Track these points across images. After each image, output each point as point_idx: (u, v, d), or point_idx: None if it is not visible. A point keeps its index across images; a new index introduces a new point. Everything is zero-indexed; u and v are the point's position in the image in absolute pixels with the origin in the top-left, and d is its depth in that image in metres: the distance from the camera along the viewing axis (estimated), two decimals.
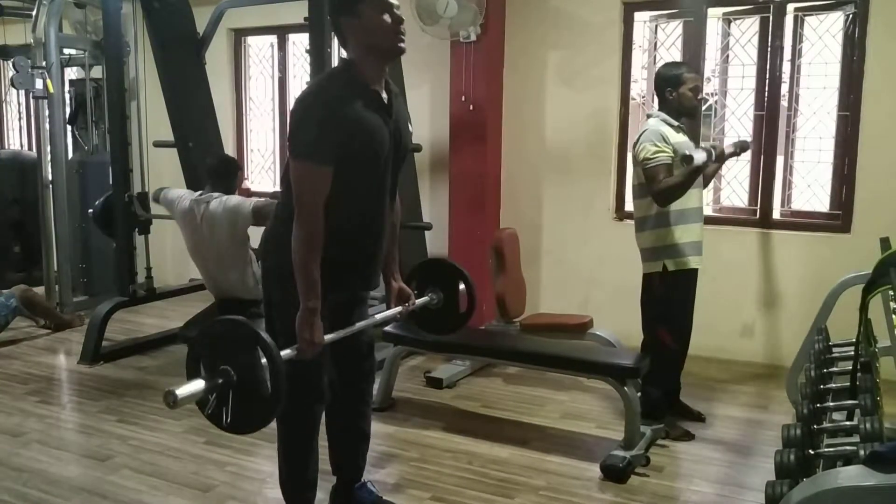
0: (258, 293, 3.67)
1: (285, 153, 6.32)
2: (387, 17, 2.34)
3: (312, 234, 2.29)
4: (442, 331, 3.04)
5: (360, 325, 2.56)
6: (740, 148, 3.67)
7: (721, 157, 3.50)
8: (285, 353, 2.14)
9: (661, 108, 3.56)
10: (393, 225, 2.68)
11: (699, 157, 3.25)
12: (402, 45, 2.39)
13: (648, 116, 3.62)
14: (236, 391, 1.98)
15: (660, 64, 5.02)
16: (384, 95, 2.43)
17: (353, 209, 2.41)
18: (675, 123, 3.49)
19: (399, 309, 2.71)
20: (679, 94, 3.48)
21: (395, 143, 2.46)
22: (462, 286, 2.88)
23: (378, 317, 2.64)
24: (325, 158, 2.28)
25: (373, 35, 2.35)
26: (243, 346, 2.01)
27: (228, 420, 2.00)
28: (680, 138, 3.45)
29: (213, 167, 4.38)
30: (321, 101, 2.31)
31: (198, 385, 1.95)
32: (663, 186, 3.32)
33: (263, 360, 1.99)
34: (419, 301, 2.77)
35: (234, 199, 4.14)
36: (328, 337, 2.36)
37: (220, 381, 1.97)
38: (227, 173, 4.33)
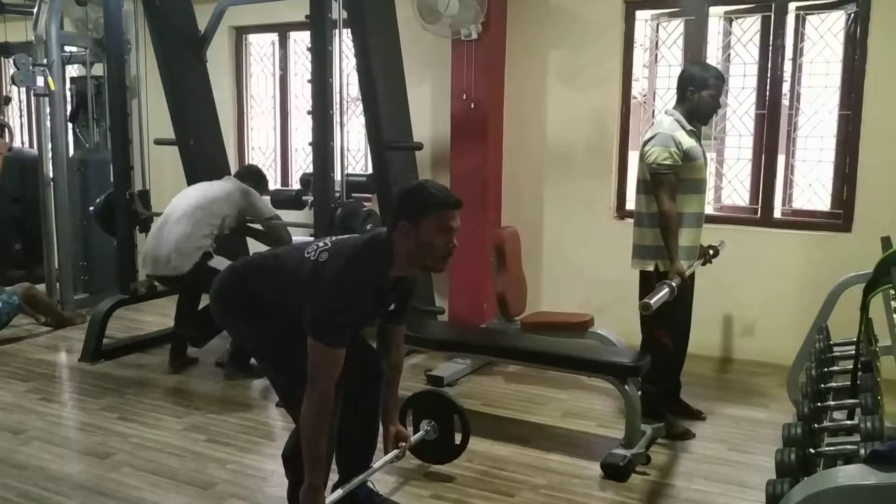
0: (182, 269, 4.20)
1: (286, 151, 6.39)
2: (442, 242, 2.39)
3: (324, 411, 2.33)
4: (437, 460, 3.19)
5: (363, 475, 2.70)
6: (713, 255, 3.76)
7: (684, 280, 3.42)
8: None
9: (677, 106, 3.55)
10: (395, 372, 2.76)
11: (660, 296, 3.17)
12: (444, 268, 2.48)
13: (665, 113, 3.59)
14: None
15: (661, 62, 5.04)
16: (395, 282, 2.51)
17: None
18: (688, 127, 3.47)
19: (396, 452, 2.78)
20: (700, 96, 3.47)
21: (378, 315, 2.58)
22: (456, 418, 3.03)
23: (376, 465, 2.75)
24: (344, 342, 2.34)
25: (423, 249, 2.40)
26: None
27: None
28: (691, 143, 3.44)
29: (246, 173, 4.79)
30: (354, 293, 2.36)
31: None
32: (664, 211, 3.36)
33: None
34: (415, 438, 2.88)
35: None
36: (329, 499, 2.46)
37: None
38: (259, 179, 4.74)
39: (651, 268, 3.50)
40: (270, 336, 2.56)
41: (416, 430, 3.15)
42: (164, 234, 4.31)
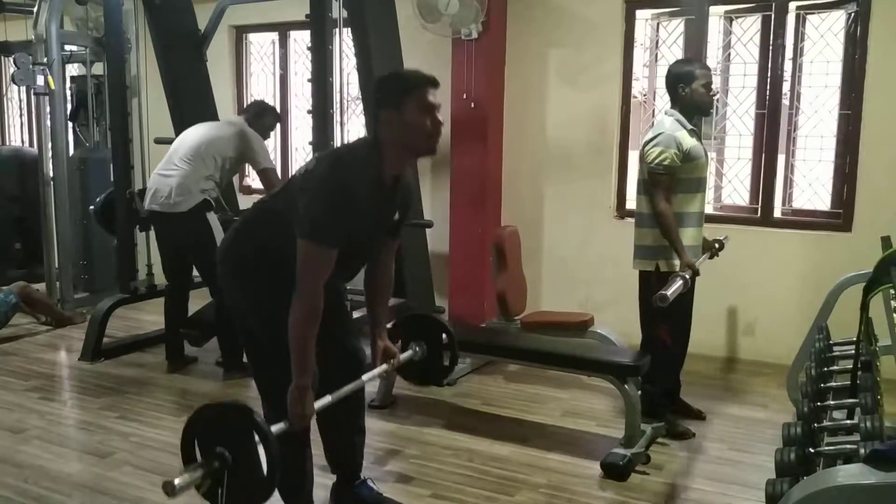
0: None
1: (286, 150, 6.39)
2: (427, 119, 2.37)
3: (313, 311, 2.30)
4: (425, 381, 3.12)
5: (349, 387, 2.54)
6: (719, 248, 3.77)
7: (696, 272, 3.43)
8: (276, 427, 2.15)
9: (673, 106, 3.54)
10: (385, 288, 2.74)
11: (675, 288, 3.19)
12: (435, 147, 2.43)
13: (665, 113, 3.58)
14: (232, 474, 1.98)
15: (662, 62, 5.04)
16: (392, 184, 2.46)
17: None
18: (689, 126, 3.47)
19: (385, 367, 2.73)
20: (692, 90, 3.47)
21: (381, 227, 2.53)
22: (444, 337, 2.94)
23: (365, 377, 2.68)
24: (334, 243, 2.31)
25: (409, 133, 2.37)
26: (238, 429, 2.02)
27: (223, 502, 2.00)
28: (693, 142, 3.44)
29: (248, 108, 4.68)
30: (344, 191, 2.31)
31: (195, 473, 1.95)
32: (659, 211, 3.38)
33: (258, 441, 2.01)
34: (403, 356, 2.81)
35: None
36: (318, 404, 2.37)
37: (216, 464, 1.97)
38: (263, 112, 4.56)
39: (651, 268, 3.50)
40: (275, 300, 2.40)
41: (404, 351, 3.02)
42: (168, 169, 4.24)
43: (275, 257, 2.42)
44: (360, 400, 2.84)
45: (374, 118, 2.44)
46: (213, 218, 4.21)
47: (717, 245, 3.78)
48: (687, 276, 3.27)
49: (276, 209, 2.50)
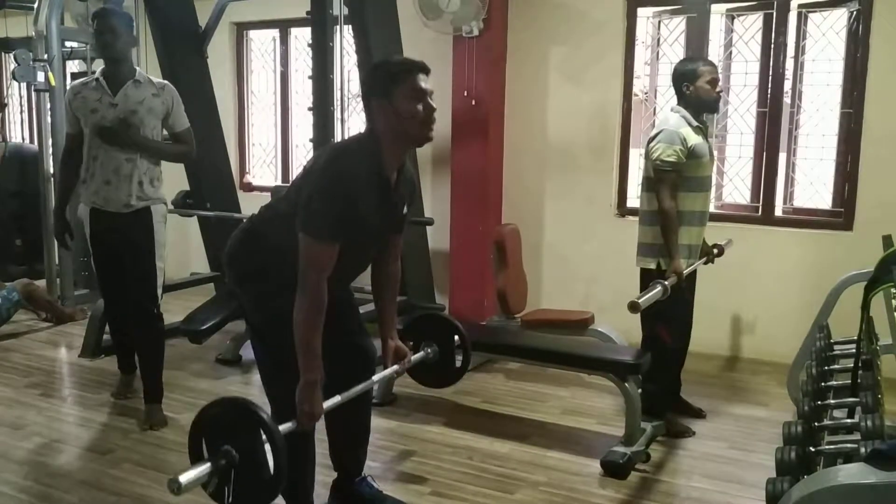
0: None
1: (287, 147, 6.39)
2: (419, 106, 2.35)
3: (317, 306, 2.28)
4: (438, 384, 3.07)
5: (359, 387, 2.53)
6: (717, 254, 3.74)
7: (681, 280, 3.37)
8: (285, 427, 2.14)
9: (679, 104, 3.52)
10: (392, 285, 2.72)
11: (651, 295, 3.11)
12: (430, 134, 2.40)
13: (671, 110, 3.55)
14: (239, 472, 1.98)
15: (663, 60, 5.03)
16: (395, 177, 2.45)
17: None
18: (695, 123, 3.44)
19: (396, 367, 2.71)
20: (696, 87, 3.43)
21: (389, 221, 2.50)
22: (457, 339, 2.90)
23: (375, 378, 2.67)
24: (336, 238, 2.28)
25: (403, 121, 2.35)
26: (246, 428, 2.00)
27: (230, 500, 1.99)
28: (698, 140, 3.41)
29: None
30: (344, 184, 2.28)
31: (202, 470, 1.94)
32: (664, 208, 3.34)
33: (264, 438, 1.99)
34: (415, 357, 2.78)
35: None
36: (327, 404, 2.36)
37: (223, 462, 1.96)
38: None
39: (653, 266, 3.48)
40: (282, 303, 2.37)
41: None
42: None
43: (282, 261, 2.38)
44: (368, 399, 2.83)
45: (367, 109, 2.42)
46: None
47: (715, 251, 3.74)
48: (667, 284, 3.19)
49: (281, 213, 2.47)
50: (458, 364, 2.91)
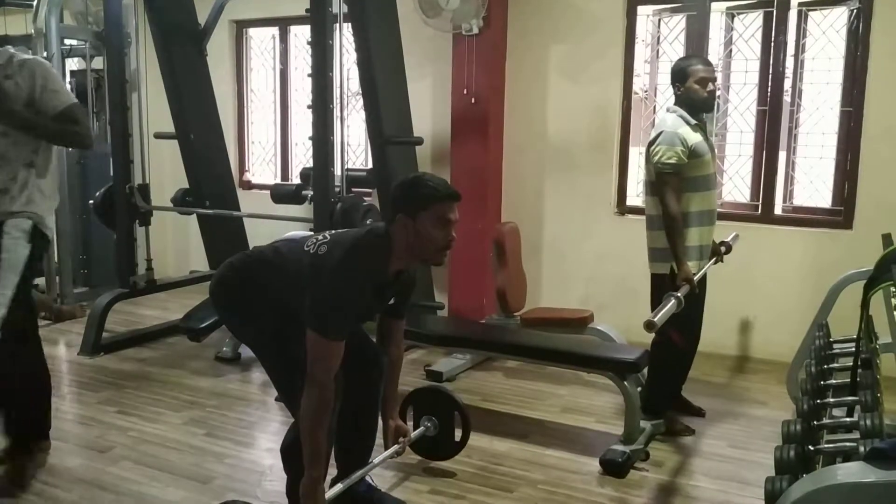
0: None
1: (286, 145, 6.38)
2: (441, 234, 2.38)
3: (323, 405, 2.32)
4: (437, 456, 3.16)
5: (360, 472, 2.65)
6: (726, 251, 3.73)
7: (693, 288, 3.33)
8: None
9: (677, 102, 3.50)
10: (394, 368, 2.76)
11: (666, 311, 3.03)
12: (443, 260, 2.46)
13: (667, 110, 3.54)
14: None
15: (663, 58, 5.03)
16: (395, 275, 2.49)
17: None
18: (693, 122, 3.40)
19: (396, 448, 2.77)
20: (686, 87, 3.40)
21: (377, 310, 2.61)
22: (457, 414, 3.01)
23: (376, 460, 2.74)
24: (343, 335, 2.33)
25: (421, 242, 2.39)
26: None
27: None
28: (697, 138, 3.38)
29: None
30: (353, 284, 2.34)
31: None
32: (670, 213, 3.30)
33: None
34: (415, 434, 2.86)
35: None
36: (329, 494, 2.43)
37: None
38: None
39: (665, 271, 3.41)
40: (272, 331, 2.54)
41: (416, 426, 3.14)
42: None
43: (274, 300, 2.50)
44: (375, 403, 2.83)
45: (390, 217, 2.45)
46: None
47: (723, 248, 3.71)
48: (681, 296, 3.11)
49: (281, 262, 2.54)
50: (458, 438, 3.03)
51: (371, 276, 2.39)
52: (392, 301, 2.61)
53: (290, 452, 2.61)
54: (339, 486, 2.50)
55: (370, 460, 2.82)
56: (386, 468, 3.21)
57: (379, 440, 2.84)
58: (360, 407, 2.75)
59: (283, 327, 2.49)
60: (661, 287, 3.42)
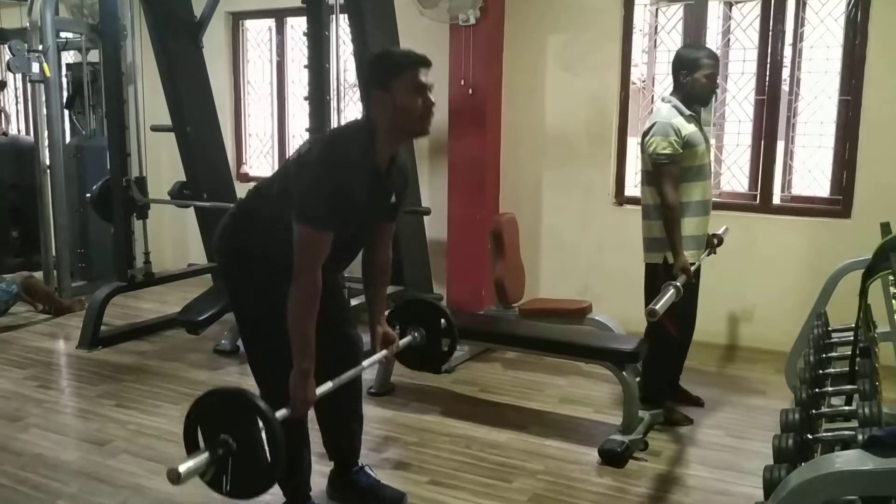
0: None
1: (283, 137, 6.37)
2: (419, 100, 2.33)
3: (311, 295, 2.28)
4: (424, 367, 3.07)
5: (348, 374, 2.52)
6: (718, 244, 3.71)
7: (690, 277, 3.33)
8: (279, 413, 2.13)
9: (674, 92, 3.49)
10: (382, 272, 2.71)
11: (666, 299, 3.02)
12: (427, 128, 2.40)
13: (662, 100, 3.53)
14: (236, 460, 1.98)
15: (661, 48, 5.01)
16: (386, 166, 2.44)
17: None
18: (687, 112, 3.40)
19: (385, 353, 2.70)
20: (693, 79, 3.39)
21: (379, 209, 2.50)
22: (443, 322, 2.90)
23: (365, 363, 2.66)
24: (330, 226, 2.28)
25: (401, 114, 2.34)
26: (242, 416, 2.00)
27: (228, 487, 1.99)
28: (691, 129, 3.37)
29: None
30: (338, 173, 2.28)
31: (200, 459, 1.94)
32: (668, 203, 3.30)
33: (261, 427, 2.00)
34: (402, 342, 2.79)
35: None
36: (319, 390, 2.35)
37: (221, 451, 1.96)
38: None
39: (659, 260, 3.42)
40: (273, 289, 2.38)
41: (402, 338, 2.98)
42: None
43: (273, 246, 2.40)
44: (358, 387, 2.84)
45: (366, 99, 2.41)
46: None
47: (715, 241, 3.71)
48: (679, 284, 3.13)
49: (272, 195, 2.47)
50: (445, 348, 2.91)
51: (358, 165, 2.32)
52: (394, 199, 2.54)
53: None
54: (328, 384, 2.41)
55: (360, 438, 2.80)
56: (385, 458, 3.22)
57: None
58: (345, 399, 2.74)
59: (281, 291, 2.34)
60: (654, 276, 3.44)
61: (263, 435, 1.99)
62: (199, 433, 2.02)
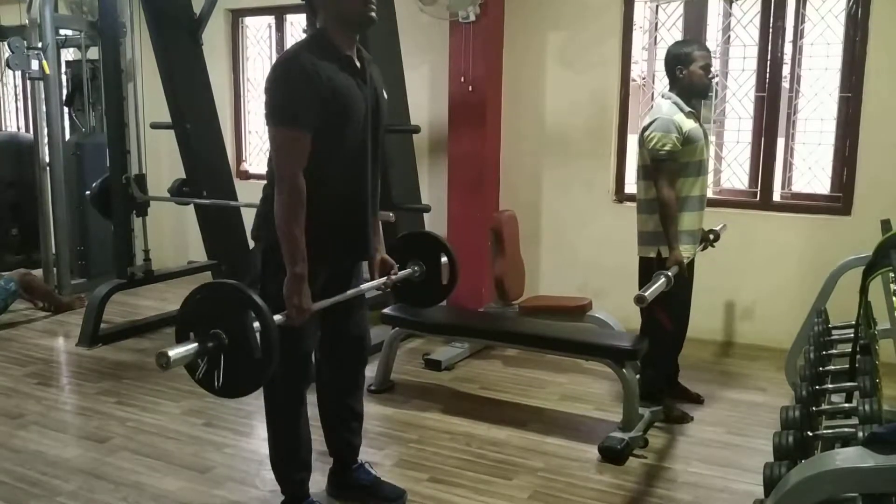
0: None
1: None
2: None
3: (294, 199, 2.27)
4: (423, 303, 3.05)
5: (350, 292, 2.51)
6: (714, 239, 3.73)
7: (683, 271, 3.36)
8: (275, 318, 2.12)
9: (671, 89, 3.50)
10: (375, 196, 2.65)
11: (656, 287, 3.05)
12: (372, 14, 2.38)
13: (661, 96, 3.54)
14: (228, 355, 1.96)
15: (661, 45, 5.01)
16: (357, 62, 2.42)
17: (336, 177, 2.40)
18: (687, 109, 3.41)
19: (383, 280, 2.67)
20: (689, 72, 3.41)
21: (371, 107, 2.45)
22: (444, 258, 2.85)
23: (364, 286, 2.61)
24: (303, 123, 2.27)
25: (343, 5, 2.34)
26: (235, 309, 1.99)
27: (220, 384, 1.98)
28: (691, 125, 3.39)
29: None
30: (296, 66, 2.28)
31: (190, 346, 1.93)
32: (663, 198, 3.31)
33: (255, 324, 1.98)
34: (402, 273, 2.74)
35: None
36: (318, 304, 2.33)
37: (212, 344, 1.95)
38: None
39: (653, 254, 3.45)
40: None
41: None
42: None
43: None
44: (360, 385, 2.84)
45: (309, 8, 2.41)
46: None
47: (711, 236, 3.73)
48: (671, 275, 3.16)
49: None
50: (445, 282, 2.88)
51: (321, 62, 2.29)
52: (377, 92, 2.48)
53: (277, 469, 2.65)
54: (326, 301, 2.40)
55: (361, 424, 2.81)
56: (385, 456, 3.22)
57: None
58: (346, 388, 2.75)
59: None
60: (648, 270, 3.45)
61: (257, 331, 1.97)
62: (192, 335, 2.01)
